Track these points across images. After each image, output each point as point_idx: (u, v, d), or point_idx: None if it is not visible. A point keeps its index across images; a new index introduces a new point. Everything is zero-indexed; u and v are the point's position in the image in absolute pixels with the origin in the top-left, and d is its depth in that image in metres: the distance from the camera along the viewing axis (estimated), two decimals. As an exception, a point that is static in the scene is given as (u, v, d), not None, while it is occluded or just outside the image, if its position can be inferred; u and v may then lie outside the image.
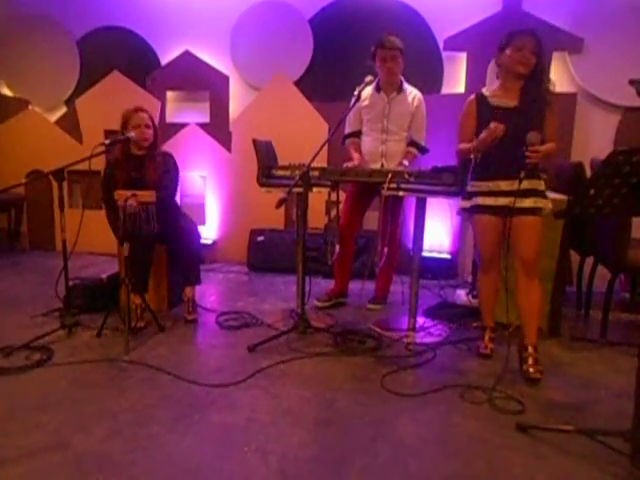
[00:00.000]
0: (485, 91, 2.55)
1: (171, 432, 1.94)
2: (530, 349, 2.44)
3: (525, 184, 2.34)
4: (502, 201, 2.44)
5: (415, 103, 3.23)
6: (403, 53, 3.13)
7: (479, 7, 4.08)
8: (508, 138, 2.35)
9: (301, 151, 3.21)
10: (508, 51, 2.40)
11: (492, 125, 2.32)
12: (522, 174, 2.30)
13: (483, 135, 2.35)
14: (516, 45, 2.37)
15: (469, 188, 2.57)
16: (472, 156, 2.49)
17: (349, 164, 3.16)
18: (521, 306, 2.49)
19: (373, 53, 3.13)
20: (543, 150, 2.31)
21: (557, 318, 2.97)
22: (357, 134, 3.37)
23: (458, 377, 2.43)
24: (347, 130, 3.39)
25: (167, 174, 3.05)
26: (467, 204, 2.58)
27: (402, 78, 3.24)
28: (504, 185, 2.43)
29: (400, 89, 3.22)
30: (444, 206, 4.22)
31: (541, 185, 2.45)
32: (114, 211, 2.85)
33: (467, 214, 2.63)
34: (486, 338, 2.69)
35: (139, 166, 2.99)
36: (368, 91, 3.18)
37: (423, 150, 3.32)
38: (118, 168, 2.99)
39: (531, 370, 2.38)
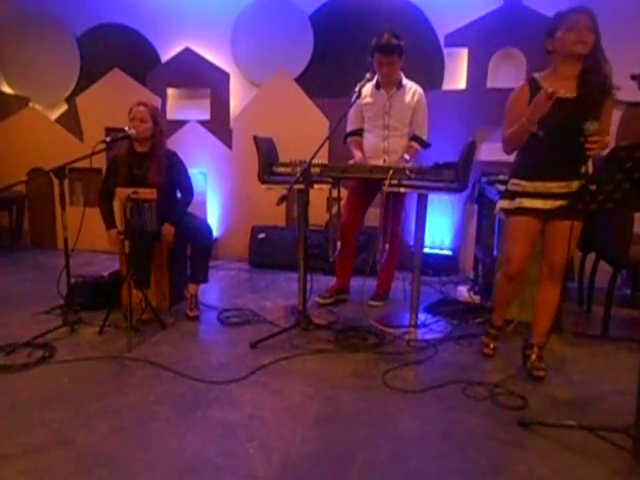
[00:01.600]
0: (538, 77, 2.28)
1: (173, 429, 1.94)
2: (536, 348, 2.42)
3: (577, 184, 2.12)
4: (552, 204, 2.24)
5: (416, 98, 3.22)
6: (402, 52, 3.11)
7: (480, 3, 4.05)
8: (563, 132, 2.15)
9: (302, 148, 3.20)
10: (559, 33, 2.15)
11: (545, 87, 2.08)
12: (583, 169, 2.08)
13: (536, 99, 2.10)
14: (569, 24, 2.13)
15: (511, 187, 2.36)
16: (529, 129, 2.18)
17: (352, 162, 3.17)
18: (538, 306, 2.43)
19: (371, 52, 3.12)
20: (606, 141, 2.10)
21: (559, 314, 2.96)
22: (358, 132, 3.36)
23: (460, 373, 2.43)
24: (348, 128, 3.39)
25: (180, 179, 3.11)
26: (510, 205, 2.36)
27: (401, 74, 3.23)
28: (556, 187, 2.22)
29: (400, 85, 3.22)
30: (445, 202, 4.22)
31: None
32: (108, 202, 3.04)
33: (505, 215, 2.44)
34: (493, 337, 2.65)
35: (141, 164, 3.00)
36: (368, 88, 3.17)
37: (425, 145, 3.31)
38: (121, 164, 3.00)
39: (535, 367, 2.37)
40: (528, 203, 2.29)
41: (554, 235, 2.29)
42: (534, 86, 2.25)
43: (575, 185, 2.15)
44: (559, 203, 2.22)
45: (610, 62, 2.20)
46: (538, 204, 2.28)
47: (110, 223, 3.11)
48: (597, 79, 2.16)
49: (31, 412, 2.04)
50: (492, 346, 2.64)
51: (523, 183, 2.32)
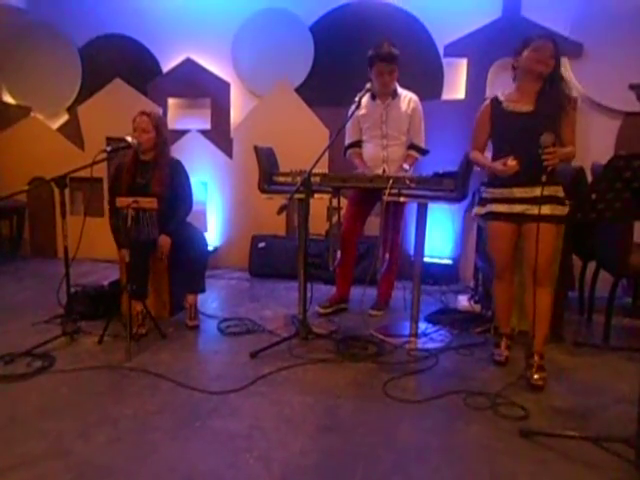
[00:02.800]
0: (500, 96, 2.53)
1: (172, 439, 1.93)
2: (536, 357, 2.42)
3: (539, 190, 2.28)
4: (517, 208, 2.42)
5: (411, 106, 3.24)
6: (399, 61, 3.14)
7: (479, 13, 4.09)
8: (523, 144, 2.34)
9: (302, 157, 3.21)
10: (526, 52, 2.39)
11: (509, 161, 2.33)
12: (544, 178, 2.22)
13: (498, 166, 2.37)
14: (535, 46, 2.37)
15: (483, 194, 2.57)
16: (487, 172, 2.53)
17: (360, 171, 3.19)
18: (529, 313, 2.45)
19: (370, 62, 3.14)
20: (561, 151, 2.27)
21: (560, 323, 2.96)
22: (358, 144, 3.37)
23: (461, 383, 2.42)
24: (347, 141, 3.40)
25: (182, 188, 3.10)
26: (481, 210, 2.57)
27: (396, 83, 3.26)
28: (518, 192, 2.41)
29: (395, 94, 3.24)
30: (445, 211, 4.22)
31: (560, 192, 2.41)
32: (116, 217, 2.86)
33: (482, 220, 2.63)
34: (502, 346, 2.65)
35: (145, 173, 3.01)
36: (364, 99, 3.18)
37: (423, 152, 3.33)
38: (124, 172, 3.01)
39: (535, 377, 2.37)
40: (496, 208, 2.49)
41: (530, 239, 2.38)
42: (496, 104, 2.51)
43: (537, 191, 2.29)
44: (524, 207, 2.39)
45: (569, 83, 2.55)
46: (504, 208, 2.47)
47: (122, 243, 3.05)
48: (553, 95, 2.39)
49: (29, 422, 2.03)
50: (504, 354, 2.63)
51: (492, 190, 2.52)
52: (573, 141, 2.41)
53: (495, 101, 2.52)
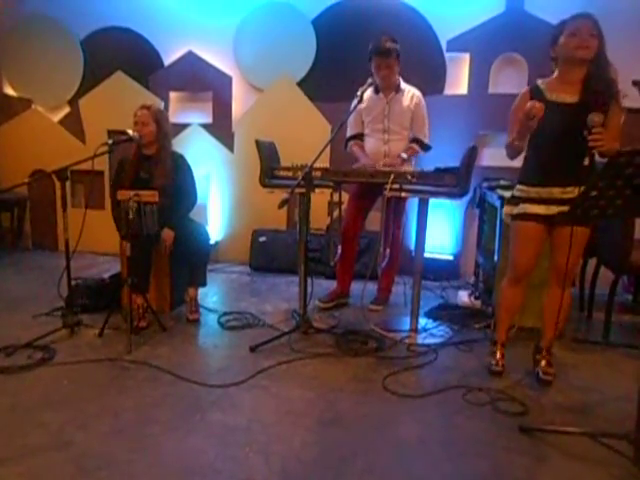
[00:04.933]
0: (541, 84, 2.30)
1: (172, 432, 1.94)
2: (545, 353, 2.43)
3: (578, 190, 2.07)
4: (555, 210, 2.23)
5: (414, 101, 3.24)
6: (399, 56, 3.13)
7: (482, 8, 4.07)
8: (566, 138, 2.16)
9: (304, 152, 3.21)
10: (562, 39, 2.17)
11: (529, 104, 2.10)
12: (586, 161, 2.03)
13: (525, 110, 2.12)
14: (570, 30, 2.14)
15: (516, 193, 2.38)
16: (516, 144, 2.25)
17: (359, 164, 3.18)
18: (547, 311, 2.40)
19: (369, 56, 3.14)
20: (615, 147, 2.06)
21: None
22: (359, 136, 3.37)
23: (460, 378, 2.43)
24: (349, 133, 3.40)
25: (185, 182, 3.09)
26: (513, 210, 2.38)
27: (400, 78, 3.25)
28: (558, 192, 2.23)
29: (398, 89, 3.23)
30: (446, 207, 4.22)
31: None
32: (119, 209, 2.86)
33: (511, 220, 2.43)
34: (498, 355, 2.52)
35: (148, 167, 3.01)
36: (367, 93, 3.17)
37: (425, 147, 3.32)
38: (128, 166, 3.01)
39: (543, 372, 2.37)
40: (531, 209, 2.30)
41: (560, 241, 2.27)
42: (536, 91, 2.28)
43: (577, 190, 2.13)
44: (562, 209, 2.21)
45: (615, 67, 2.21)
46: (541, 210, 2.27)
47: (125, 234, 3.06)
48: (602, 84, 2.15)
49: (30, 414, 2.04)
50: (500, 363, 2.50)
51: (526, 189, 2.32)
52: (617, 138, 2.20)
53: (535, 88, 2.29)
